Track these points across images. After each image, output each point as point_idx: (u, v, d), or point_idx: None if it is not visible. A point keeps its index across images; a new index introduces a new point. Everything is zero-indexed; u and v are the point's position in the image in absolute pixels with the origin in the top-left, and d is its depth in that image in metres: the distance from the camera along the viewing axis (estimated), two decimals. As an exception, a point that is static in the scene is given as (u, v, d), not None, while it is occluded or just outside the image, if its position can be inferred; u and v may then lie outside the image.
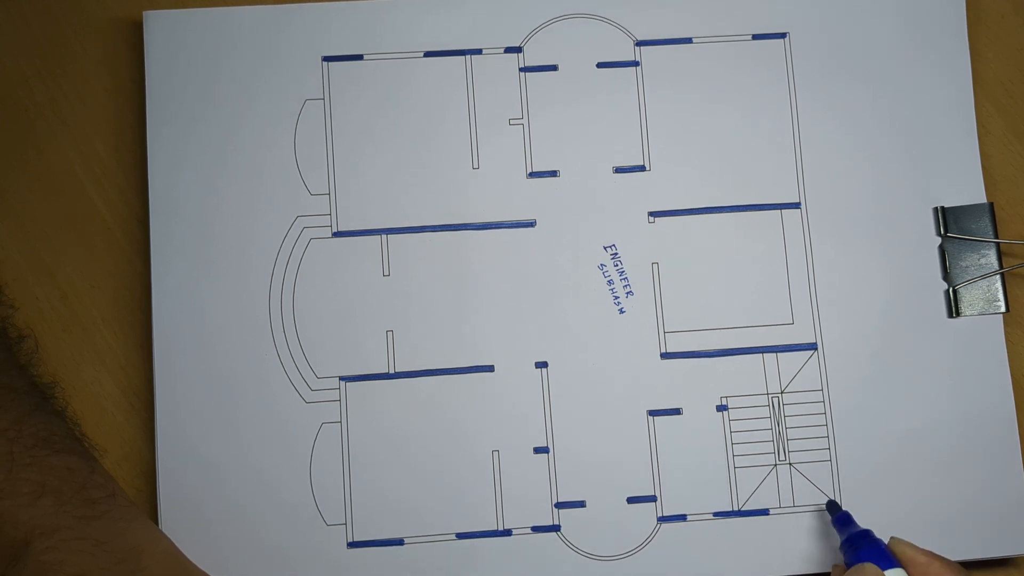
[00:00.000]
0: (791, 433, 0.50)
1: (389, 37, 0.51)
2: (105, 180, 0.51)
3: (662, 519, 0.49)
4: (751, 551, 0.49)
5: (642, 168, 0.51)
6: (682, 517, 0.49)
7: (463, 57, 0.51)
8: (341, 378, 0.49)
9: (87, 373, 0.50)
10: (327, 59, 0.51)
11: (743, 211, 0.51)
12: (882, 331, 0.50)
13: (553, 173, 0.51)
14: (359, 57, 0.51)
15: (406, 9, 0.51)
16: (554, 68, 0.51)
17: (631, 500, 0.49)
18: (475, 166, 0.51)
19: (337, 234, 0.50)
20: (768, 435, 0.50)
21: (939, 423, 0.50)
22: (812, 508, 0.49)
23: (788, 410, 0.50)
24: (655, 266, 0.51)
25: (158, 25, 0.50)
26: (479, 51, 0.51)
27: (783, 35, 0.52)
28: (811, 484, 0.49)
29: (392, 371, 0.49)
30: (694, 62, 0.52)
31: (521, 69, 0.51)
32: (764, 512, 0.49)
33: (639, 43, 0.52)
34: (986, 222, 0.51)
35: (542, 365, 0.50)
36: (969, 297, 0.51)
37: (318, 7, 0.51)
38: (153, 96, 0.50)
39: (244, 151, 0.50)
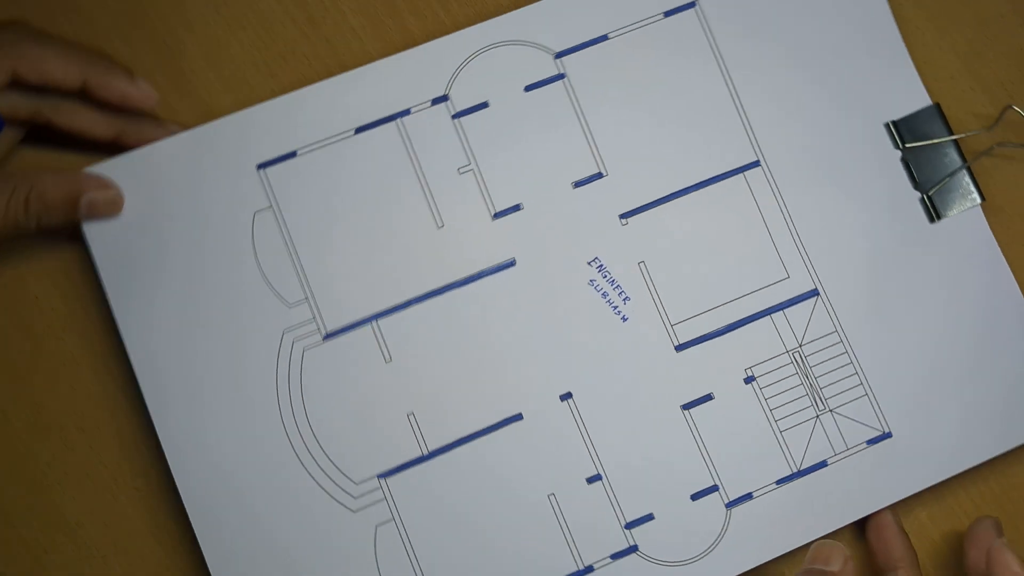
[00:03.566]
0: (822, 381, 0.50)
1: (316, 125, 0.50)
2: None
3: (730, 504, 0.49)
4: (822, 505, 0.49)
5: (600, 175, 0.51)
6: (748, 496, 0.49)
7: (393, 122, 0.50)
8: (379, 476, 0.48)
9: (87, 373, 0.49)
10: (262, 166, 0.49)
11: (708, 185, 0.51)
12: (873, 256, 0.51)
13: (516, 207, 0.50)
14: (292, 154, 0.49)
15: (324, 94, 0.50)
16: (484, 105, 0.50)
17: (695, 497, 0.49)
18: (439, 225, 0.50)
19: (328, 336, 0.49)
20: (801, 390, 0.50)
21: (953, 324, 0.50)
22: (865, 445, 0.50)
23: (812, 360, 0.50)
24: (642, 265, 0.50)
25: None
26: (407, 111, 0.50)
27: (692, 4, 0.52)
28: (856, 423, 0.50)
29: (426, 452, 0.48)
30: (616, 57, 0.51)
31: (453, 116, 0.50)
32: (823, 464, 0.49)
33: (558, 55, 0.51)
34: (938, 123, 0.52)
35: (567, 397, 0.49)
36: (944, 199, 0.51)
37: (237, 117, 0.49)
38: (105, 267, 0.48)
39: (210, 284, 0.48)
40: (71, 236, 0.49)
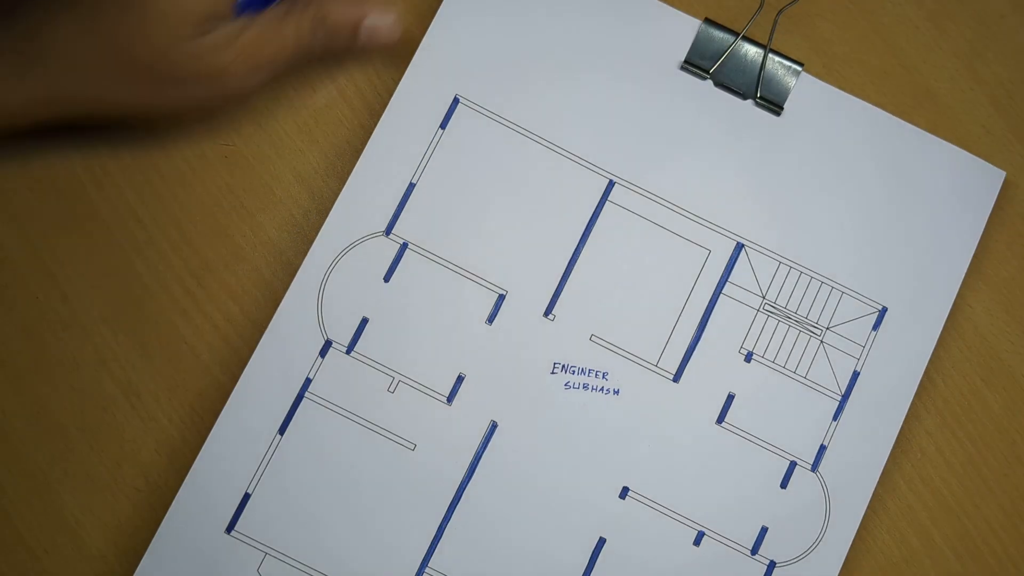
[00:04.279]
0: (802, 310, 0.50)
1: (245, 461, 0.48)
2: (105, 180, 0.51)
3: (814, 467, 0.49)
4: (882, 403, 0.50)
5: (502, 297, 0.50)
6: (823, 449, 0.49)
7: (305, 400, 0.48)
8: None
9: (87, 373, 0.50)
10: (228, 530, 0.47)
11: (591, 233, 0.50)
12: (756, 179, 0.51)
13: (460, 379, 0.49)
14: (247, 497, 0.47)
15: (226, 429, 0.48)
16: (365, 323, 0.49)
17: (784, 484, 0.49)
18: (411, 447, 0.48)
19: None
20: (793, 332, 0.50)
21: (863, 181, 0.51)
22: (874, 332, 0.50)
23: (780, 300, 0.50)
24: (594, 338, 0.50)
25: None
26: (308, 380, 0.48)
27: (456, 101, 0.50)
28: (853, 321, 0.50)
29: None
30: (433, 194, 0.50)
31: (347, 352, 0.49)
32: (856, 375, 0.50)
33: (388, 232, 0.50)
34: (720, 33, 0.52)
35: (625, 493, 0.49)
36: (772, 89, 0.51)
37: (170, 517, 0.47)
38: None
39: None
40: None
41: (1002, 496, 0.51)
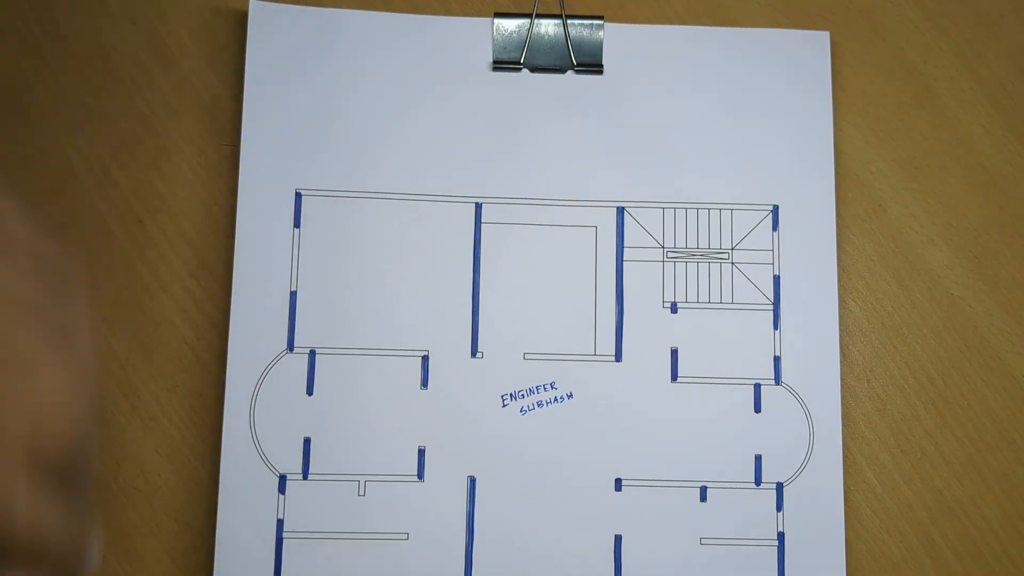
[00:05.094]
0: (702, 242, 0.51)
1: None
2: (105, 180, 0.51)
3: (776, 381, 0.50)
4: (813, 294, 0.50)
5: (425, 356, 0.49)
6: (777, 361, 0.50)
7: None
8: None
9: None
10: None
11: (479, 262, 0.51)
12: (607, 135, 0.51)
13: (422, 452, 0.49)
14: None
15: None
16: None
17: (757, 409, 0.49)
18: (405, 536, 0.48)
19: None
20: (704, 266, 0.50)
21: (693, 85, 0.52)
22: (772, 238, 0.51)
23: (679, 243, 0.51)
24: (526, 356, 0.50)
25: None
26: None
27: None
28: (751, 233, 0.51)
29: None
30: None
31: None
32: (778, 280, 0.50)
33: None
34: (512, 23, 0.52)
35: (619, 485, 0.49)
36: (585, 52, 0.51)
37: None
38: None
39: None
40: None
41: (1002, 496, 0.51)
